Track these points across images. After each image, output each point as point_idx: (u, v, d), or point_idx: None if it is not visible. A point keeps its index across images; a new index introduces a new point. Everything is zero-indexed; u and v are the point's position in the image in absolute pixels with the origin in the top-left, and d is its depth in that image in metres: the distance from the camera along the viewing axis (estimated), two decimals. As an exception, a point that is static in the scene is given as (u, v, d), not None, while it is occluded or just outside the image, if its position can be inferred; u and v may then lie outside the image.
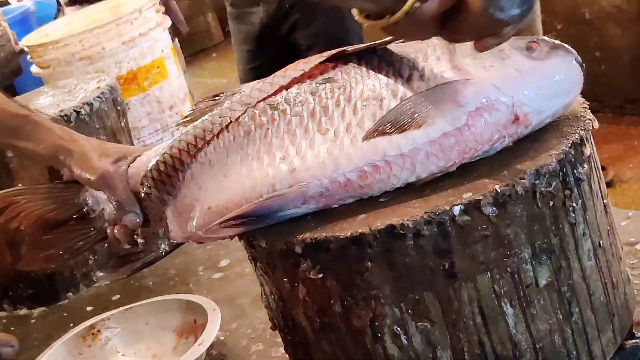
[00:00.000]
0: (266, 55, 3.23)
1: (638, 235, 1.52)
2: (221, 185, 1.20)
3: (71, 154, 1.33)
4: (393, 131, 1.08)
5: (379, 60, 1.18)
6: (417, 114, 1.07)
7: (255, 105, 1.21)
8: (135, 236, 1.32)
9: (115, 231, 1.32)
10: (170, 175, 1.25)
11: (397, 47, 1.18)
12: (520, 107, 1.10)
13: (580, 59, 1.14)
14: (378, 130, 1.08)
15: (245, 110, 1.21)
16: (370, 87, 1.15)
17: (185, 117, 1.29)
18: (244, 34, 3.29)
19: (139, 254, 1.36)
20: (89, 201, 1.38)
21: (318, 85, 1.18)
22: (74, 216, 1.38)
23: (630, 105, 4.41)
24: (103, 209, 1.36)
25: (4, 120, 1.39)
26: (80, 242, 1.39)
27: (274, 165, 1.15)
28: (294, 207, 1.13)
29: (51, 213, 1.37)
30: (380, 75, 1.15)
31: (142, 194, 1.30)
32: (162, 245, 1.32)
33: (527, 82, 1.10)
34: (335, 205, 1.14)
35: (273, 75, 1.23)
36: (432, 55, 1.15)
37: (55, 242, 1.38)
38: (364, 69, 1.18)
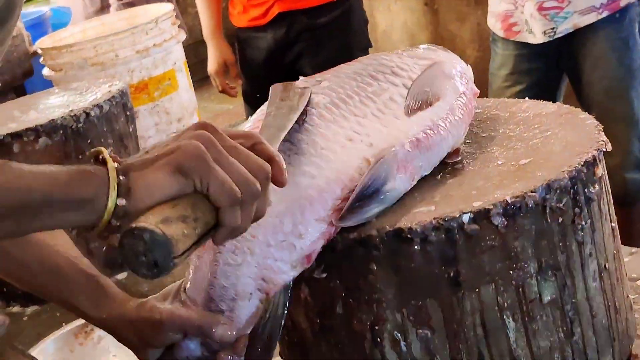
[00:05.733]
0: (271, 82, 3.21)
1: (640, 272, 1.52)
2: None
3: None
4: (426, 106, 1.21)
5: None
6: (432, 92, 1.23)
7: None
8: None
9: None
10: None
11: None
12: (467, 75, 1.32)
13: None
14: (413, 108, 1.20)
15: None
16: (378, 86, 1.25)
17: None
18: (250, 59, 3.30)
19: None
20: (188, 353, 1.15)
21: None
22: None
23: None
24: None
25: (72, 277, 1.20)
26: None
27: (348, 148, 1.13)
28: (393, 178, 1.11)
29: None
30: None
31: None
32: None
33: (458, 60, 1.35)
34: (417, 177, 1.15)
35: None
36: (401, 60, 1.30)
37: None
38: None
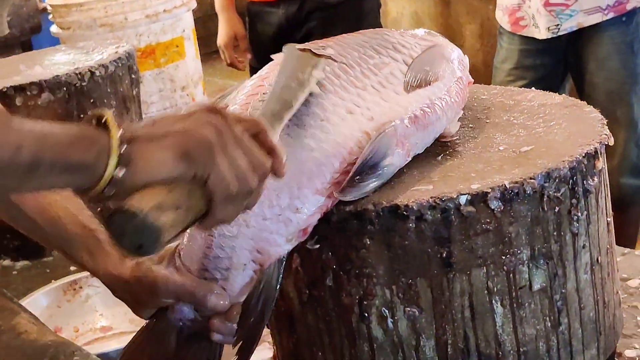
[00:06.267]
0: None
1: (631, 273, 1.53)
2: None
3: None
4: (425, 85, 1.21)
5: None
6: (431, 72, 1.23)
7: None
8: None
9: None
10: None
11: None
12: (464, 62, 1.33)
13: None
14: (412, 85, 1.20)
15: None
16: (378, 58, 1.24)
17: None
18: (260, 34, 3.28)
19: None
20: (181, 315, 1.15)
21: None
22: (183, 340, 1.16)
23: None
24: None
25: (71, 229, 1.19)
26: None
27: (349, 121, 1.13)
28: (392, 153, 1.11)
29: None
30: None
31: None
32: None
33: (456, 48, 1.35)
34: (412, 154, 1.15)
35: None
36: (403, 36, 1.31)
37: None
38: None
